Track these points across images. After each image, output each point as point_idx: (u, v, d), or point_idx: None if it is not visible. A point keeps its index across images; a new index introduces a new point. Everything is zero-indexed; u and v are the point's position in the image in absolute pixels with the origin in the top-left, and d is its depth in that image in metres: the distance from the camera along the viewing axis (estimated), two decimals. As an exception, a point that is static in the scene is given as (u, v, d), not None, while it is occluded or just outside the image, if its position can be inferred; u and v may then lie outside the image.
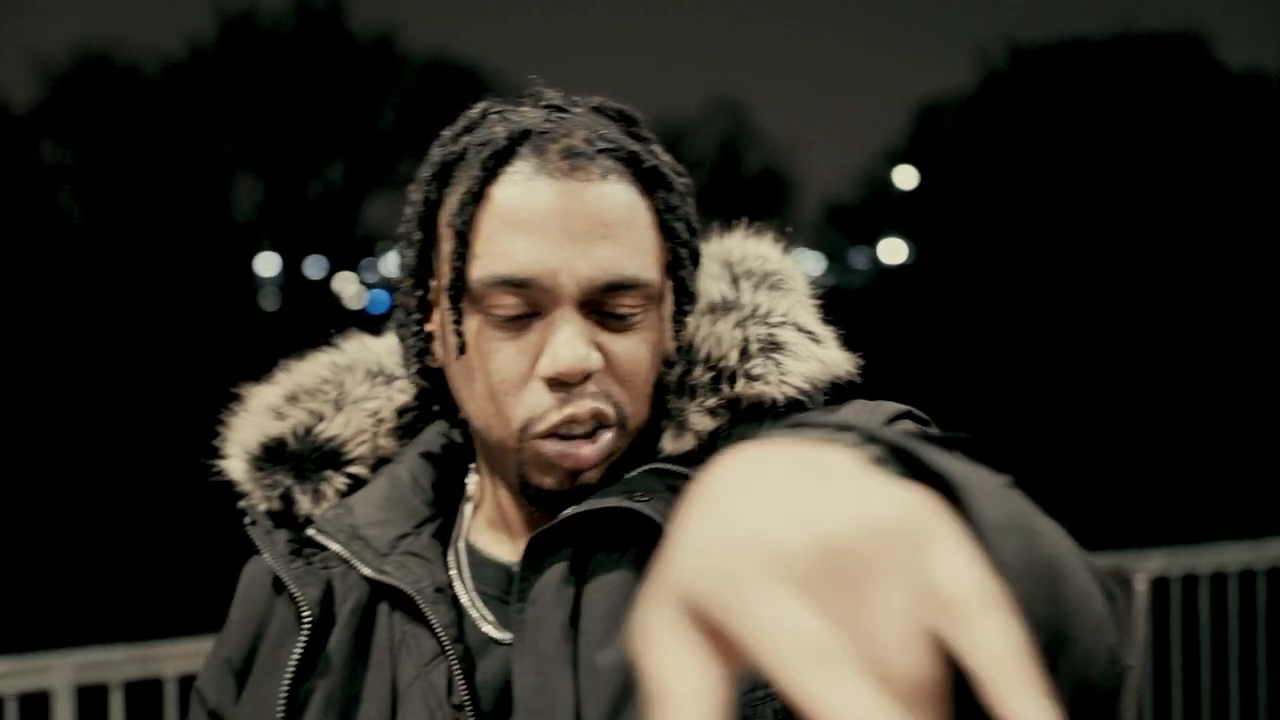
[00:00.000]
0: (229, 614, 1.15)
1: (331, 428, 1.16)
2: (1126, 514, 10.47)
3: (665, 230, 1.07)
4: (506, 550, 1.10)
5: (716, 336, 1.09)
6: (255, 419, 1.15)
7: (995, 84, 52.94)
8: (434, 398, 1.14)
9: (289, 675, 1.05)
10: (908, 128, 59.29)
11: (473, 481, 1.16)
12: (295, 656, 1.05)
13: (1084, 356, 30.55)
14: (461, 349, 1.03)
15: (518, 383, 1.02)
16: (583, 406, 1.02)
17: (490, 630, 1.06)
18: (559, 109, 1.13)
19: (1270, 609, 4.06)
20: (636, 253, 1.03)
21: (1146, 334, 34.84)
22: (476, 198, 1.02)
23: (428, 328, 1.09)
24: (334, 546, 1.10)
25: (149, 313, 39.62)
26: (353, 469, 1.17)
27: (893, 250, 64.91)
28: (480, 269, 1.01)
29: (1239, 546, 4.01)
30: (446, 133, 1.14)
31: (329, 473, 1.16)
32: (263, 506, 1.15)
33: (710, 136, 61.48)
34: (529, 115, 1.11)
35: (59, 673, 3.01)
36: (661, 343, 1.08)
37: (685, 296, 1.10)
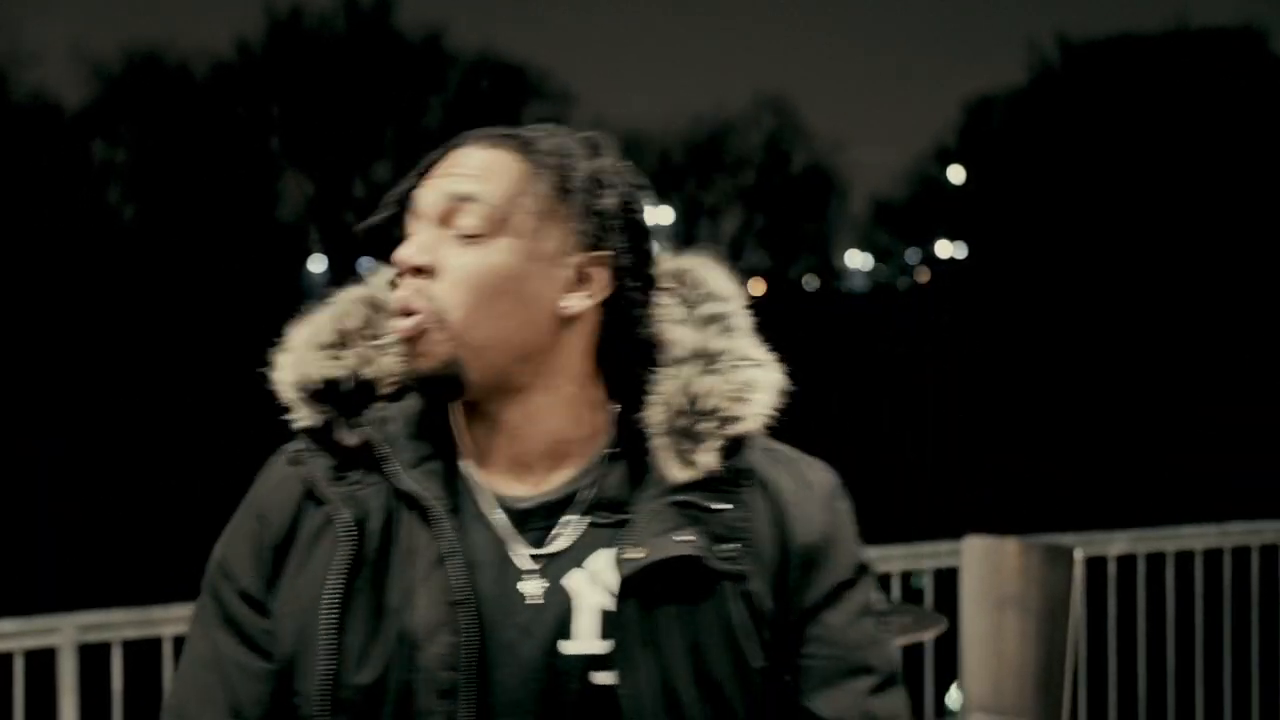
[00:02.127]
0: (252, 504, 1.33)
1: (376, 370, 1.34)
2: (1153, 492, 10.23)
3: (561, 198, 1.30)
4: (499, 478, 1.32)
5: (709, 387, 1.31)
6: (313, 356, 1.33)
7: (1047, 80, 52.38)
8: None
9: (337, 579, 1.25)
10: (958, 124, 58.79)
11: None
12: (342, 563, 1.25)
13: (1135, 352, 30.05)
14: None
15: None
16: (400, 294, 1.29)
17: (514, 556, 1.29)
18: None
19: (1234, 587, 4.34)
20: (480, 182, 1.29)
21: (1199, 330, 34.27)
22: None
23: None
24: (378, 446, 1.30)
25: (197, 310, 39.85)
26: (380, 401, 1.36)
27: (941, 248, 64.43)
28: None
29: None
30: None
31: (369, 408, 1.34)
32: (305, 424, 1.32)
33: (757, 134, 61.12)
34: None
35: (64, 633, 3.30)
36: (518, 272, 1.28)
37: (630, 272, 1.33)
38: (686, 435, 1.29)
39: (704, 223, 60.90)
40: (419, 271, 1.28)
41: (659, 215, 59.01)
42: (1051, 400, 22.62)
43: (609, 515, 1.29)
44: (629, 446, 1.32)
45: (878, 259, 72.16)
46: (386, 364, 1.35)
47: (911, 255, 69.15)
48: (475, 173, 1.30)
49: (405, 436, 1.31)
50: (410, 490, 1.27)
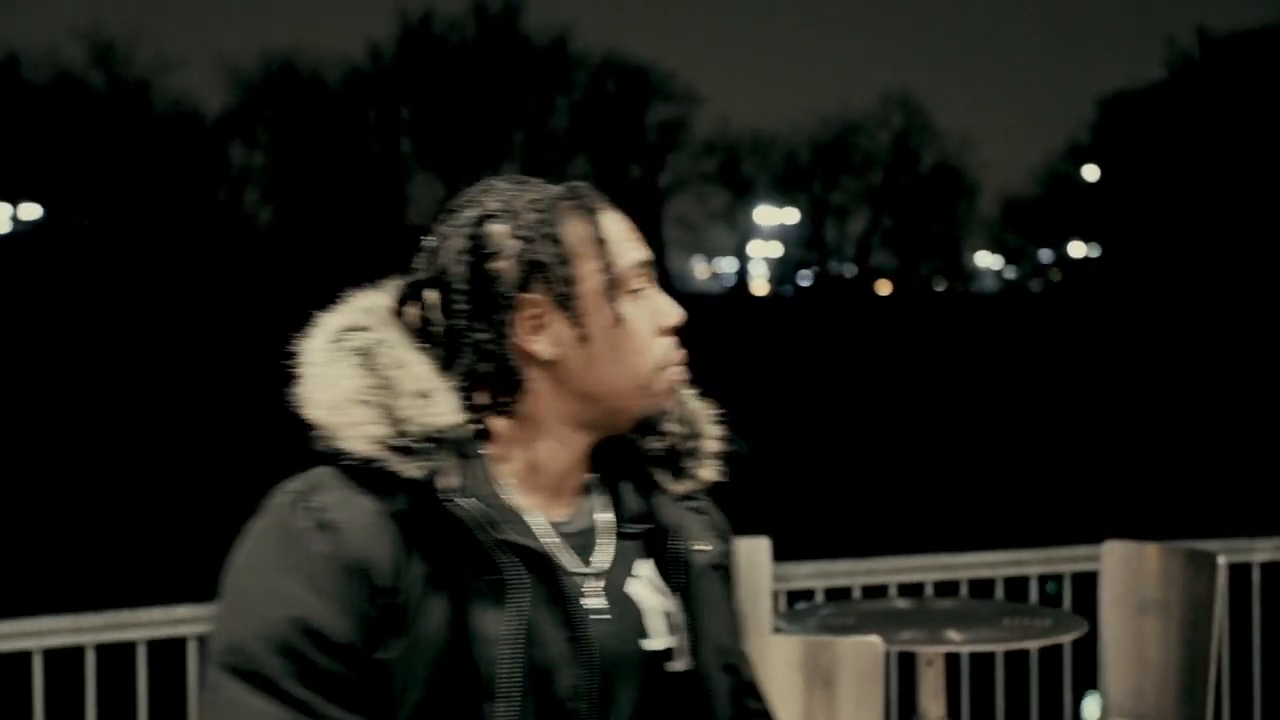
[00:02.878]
0: (333, 558, 1.26)
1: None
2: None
3: None
4: (537, 507, 1.40)
5: (700, 410, 1.51)
6: (406, 402, 1.32)
7: (1186, 74, 51.06)
8: (508, 391, 1.39)
9: (520, 621, 1.30)
10: (1091, 121, 57.55)
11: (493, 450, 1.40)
12: (525, 605, 1.31)
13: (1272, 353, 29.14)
14: (618, 319, 1.40)
15: (650, 335, 1.42)
16: (680, 351, 1.46)
17: (579, 576, 1.39)
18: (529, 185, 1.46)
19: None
20: None
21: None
22: (598, 221, 1.42)
23: (517, 338, 1.38)
24: (481, 519, 1.32)
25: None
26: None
27: (1075, 248, 63.13)
28: (625, 260, 1.42)
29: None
30: (495, 201, 1.41)
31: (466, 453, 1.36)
32: (412, 474, 1.30)
33: (885, 134, 60.53)
34: (530, 187, 1.44)
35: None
36: None
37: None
38: (689, 454, 1.49)
39: (830, 223, 60.50)
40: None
41: (785, 216, 58.85)
42: (1191, 403, 22.08)
43: (636, 526, 1.45)
44: (622, 465, 1.47)
45: (1008, 259, 70.98)
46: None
47: (1044, 256, 67.91)
48: None
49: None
50: (516, 541, 1.32)
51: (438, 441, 1.31)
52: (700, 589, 1.44)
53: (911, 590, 3.97)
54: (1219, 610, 3.20)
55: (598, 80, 54.59)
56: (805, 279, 60.85)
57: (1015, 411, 21.78)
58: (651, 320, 1.42)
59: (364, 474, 1.30)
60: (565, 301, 1.38)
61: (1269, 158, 43.82)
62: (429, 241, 1.42)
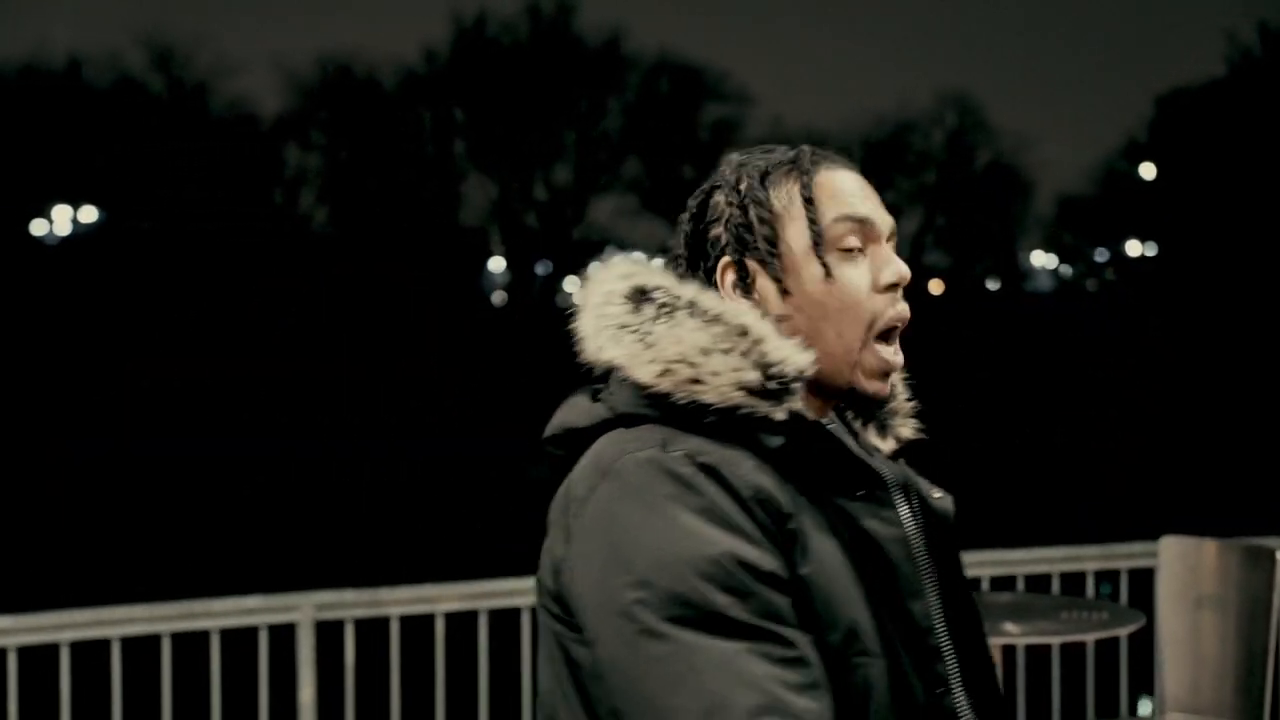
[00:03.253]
0: (735, 496, 1.29)
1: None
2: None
3: None
4: None
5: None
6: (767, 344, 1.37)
7: (1247, 70, 50.40)
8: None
9: (921, 545, 1.42)
10: (1149, 119, 56.94)
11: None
12: (904, 519, 1.43)
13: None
14: (827, 275, 1.41)
15: (867, 293, 1.43)
16: (905, 307, 1.46)
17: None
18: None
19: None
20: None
21: None
22: (810, 182, 1.43)
23: (757, 289, 1.43)
24: (851, 446, 1.43)
25: (385, 309, 40.99)
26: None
27: (1132, 247, 62.42)
28: (833, 214, 1.43)
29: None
30: (728, 171, 1.49)
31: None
32: (779, 417, 1.35)
33: (939, 133, 60.17)
34: (762, 154, 1.49)
35: (304, 610, 3.59)
36: None
37: None
38: (890, 413, 1.57)
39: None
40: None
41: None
42: (1251, 402, 21.85)
43: (892, 466, 1.52)
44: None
45: (1063, 259, 70.33)
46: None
47: (1099, 255, 67.24)
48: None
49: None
50: (875, 467, 1.43)
51: (796, 381, 1.36)
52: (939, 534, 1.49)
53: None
54: (1277, 605, 3.22)
55: (651, 80, 54.61)
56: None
57: (1073, 411, 21.64)
58: (870, 278, 1.43)
59: (698, 423, 1.32)
60: (768, 261, 1.41)
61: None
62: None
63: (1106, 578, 4.16)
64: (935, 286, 61.81)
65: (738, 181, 1.45)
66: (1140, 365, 29.88)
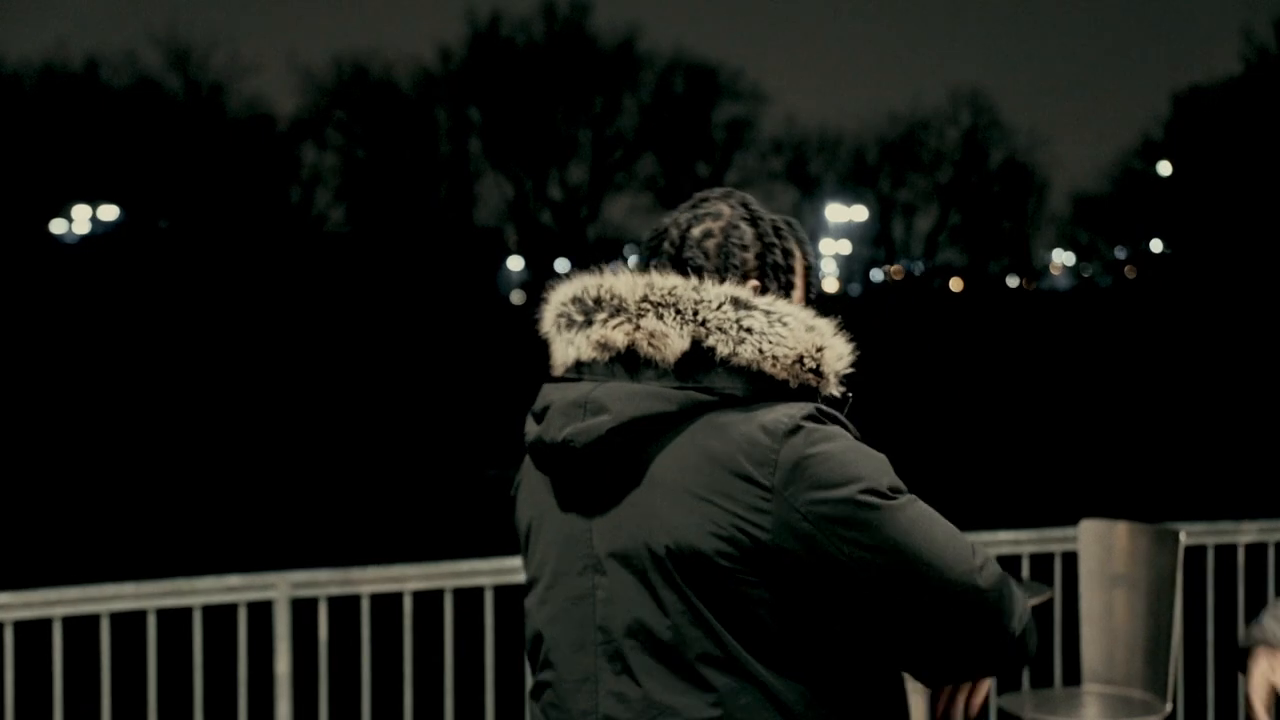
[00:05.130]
0: (863, 443, 1.66)
1: None
2: None
3: None
4: None
5: None
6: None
7: (1264, 68, 50.33)
8: None
9: None
10: (1165, 117, 56.88)
11: None
12: None
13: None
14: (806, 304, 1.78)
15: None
16: None
17: None
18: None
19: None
20: None
21: None
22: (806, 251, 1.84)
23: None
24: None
25: (403, 307, 41.27)
26: None
27: (1147, 244, 62.32)
28: (817, 281, 1.86)
29: None
30: (741, 209, 1.80)
31: None
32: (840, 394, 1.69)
33: (954, 131, 60.21)
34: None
35: (280, 588, 3.75)
36: None
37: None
38: None
39: (898, 220, 60.33)
40: None
41: (853, 214, 58.77)
42: (1258, 394, 21.96)
43: None
44: None
45: (1080, 256, 70.30)
46: None
47: (1116, 252, 67.18)
48: None
49: None
50: None
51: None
52: None
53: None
54: (1180, 582, 3.44)
55: (665, 80, 54.78)
56: (876, 276, 60.82)
57: (1073, 403, 21.79)
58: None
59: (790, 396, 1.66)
60: (784, 292, 1.77)
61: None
62: (670, 225, 1.79)
63: (1036, 561, 4.34)
64: (955, 284, 61.95)
65: (756, 220, 1.79)
66: (1147, 360, 29.98)
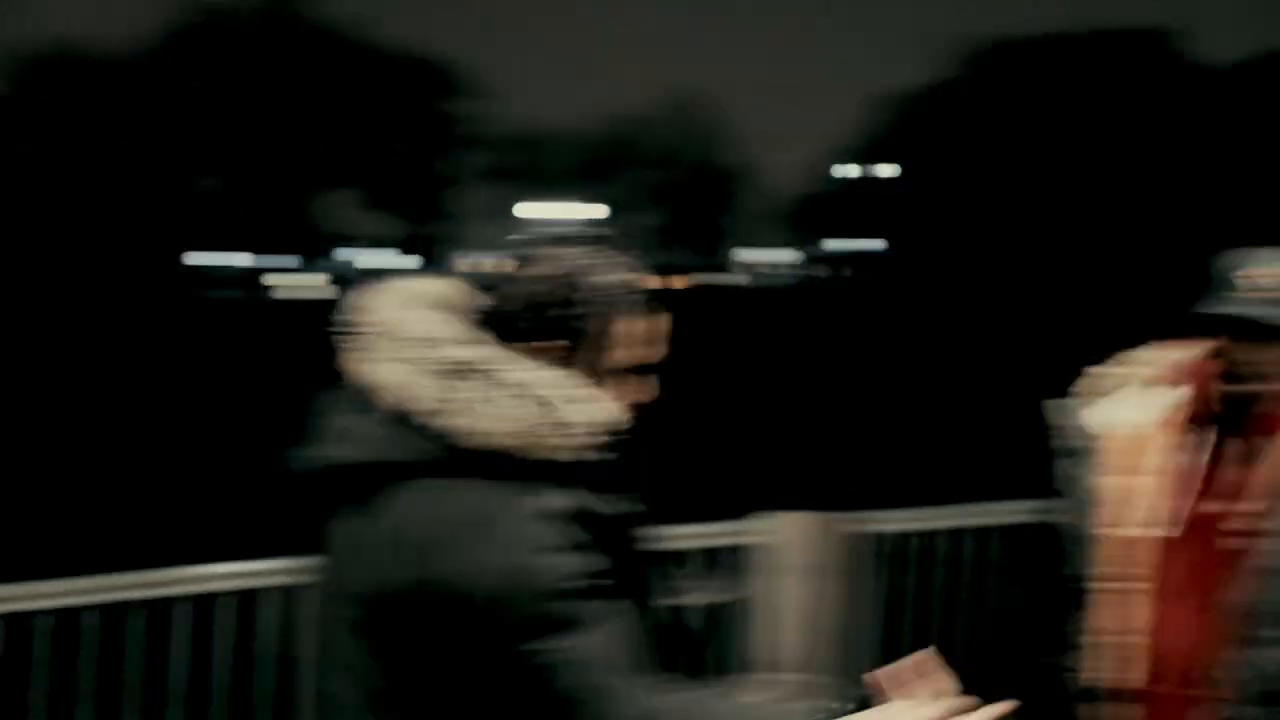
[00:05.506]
0: None
1: None
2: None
3: None
4: None
5: None
6: None
7: (980, 73, 52.92)
8: None
9: None
10: (883, 120, 59.14)
11: None
12: None
13: (1050, 347, 30.59)
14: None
15: None
16: None
17: None
18: None
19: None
20: None
21: (1111, 325, 34.91)
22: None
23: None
24: None
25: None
26: None
27: (862, 243, 64.93)
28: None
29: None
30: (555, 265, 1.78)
31: None
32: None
33: (671, 133, 61.53)
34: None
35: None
36: None
37: None
38: None
39: (613, 219, 61.30)
40: None
41: (568, 211, 59.25)
42: (974, 388, 23.04)
43: None
44: None
45: (795, 254, 72.68)
46: None
47: (830, 250, 69.72)
48: None
49: None
50: None
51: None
52: None
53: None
54: (839, 568, 3.52)
55: (391, 74, 54.25)
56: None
57: (786, 401, 22.43)
58: None
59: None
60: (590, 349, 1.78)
61: (1038, 162, 45.82)
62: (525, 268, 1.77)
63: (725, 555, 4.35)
64: (676, 283, 63.30)
65: (570, 278, 1.76)
66: (865, 354, 31.14)
